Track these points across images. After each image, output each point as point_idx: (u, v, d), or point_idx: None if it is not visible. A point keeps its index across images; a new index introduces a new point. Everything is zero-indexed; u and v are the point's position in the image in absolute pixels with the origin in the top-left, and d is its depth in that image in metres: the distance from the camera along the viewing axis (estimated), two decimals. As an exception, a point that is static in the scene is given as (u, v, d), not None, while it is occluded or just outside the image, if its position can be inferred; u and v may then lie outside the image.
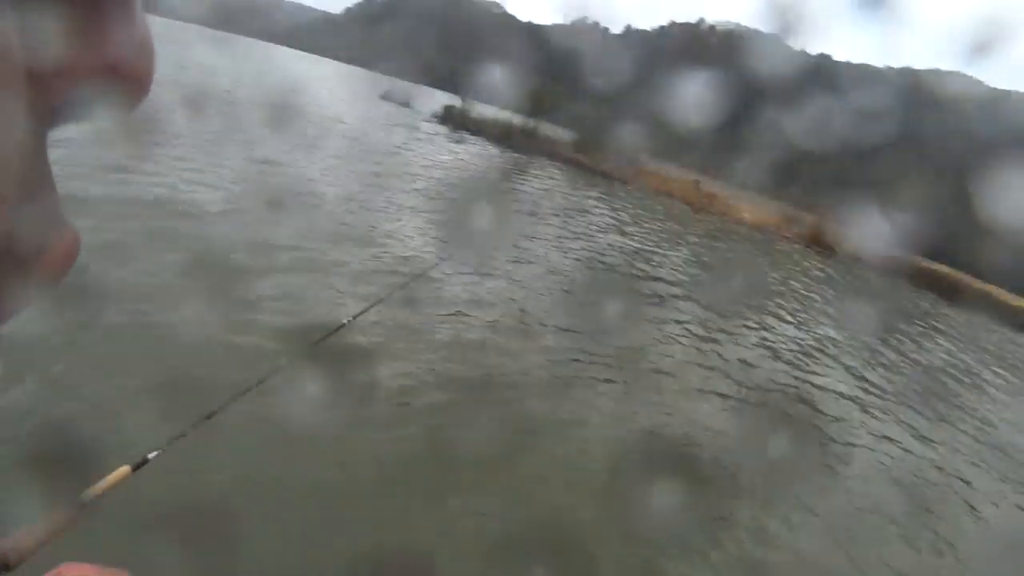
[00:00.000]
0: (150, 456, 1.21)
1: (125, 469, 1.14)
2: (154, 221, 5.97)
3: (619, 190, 23.83)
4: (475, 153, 21.80)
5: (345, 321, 2.64)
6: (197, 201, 6.98)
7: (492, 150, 24.23)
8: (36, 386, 3.37)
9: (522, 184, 17.32)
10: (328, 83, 44.21)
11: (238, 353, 4.24)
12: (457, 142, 23.57)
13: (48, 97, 0.22)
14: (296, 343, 2.08)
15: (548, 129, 30.45)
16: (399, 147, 17.33)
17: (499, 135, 27.63)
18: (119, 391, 3.48)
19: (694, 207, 25.91)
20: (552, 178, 20.83)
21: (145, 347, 3.99)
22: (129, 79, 0.32)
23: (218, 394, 1.50)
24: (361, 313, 2.93)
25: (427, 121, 29.23)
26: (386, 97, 37.81)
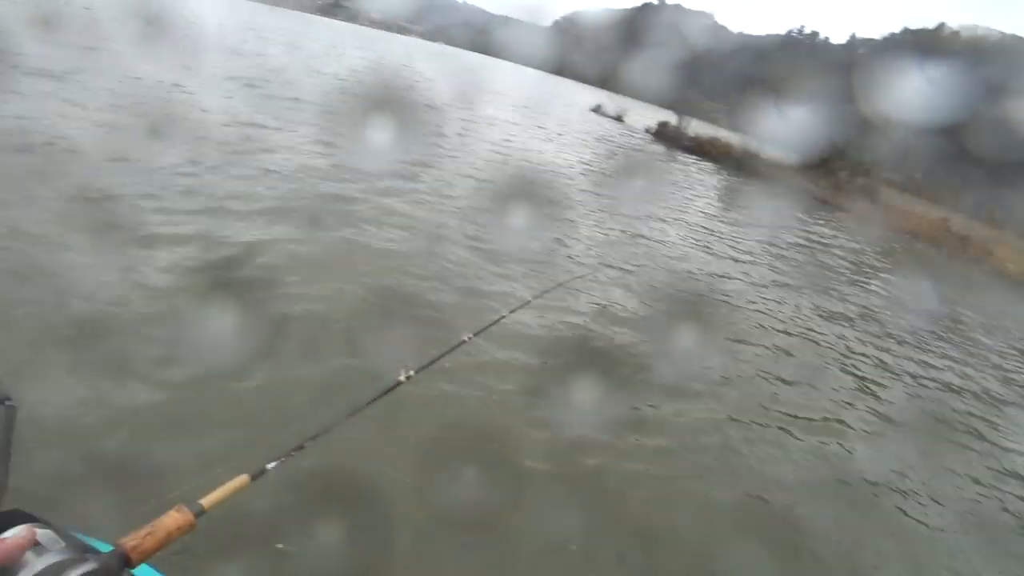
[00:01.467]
0: (269, 466, 1.22)
1: (244, 478, 1.16)
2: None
3: (852, 221, 21.41)
4: (692, 173, 21.04)
5: (504, 314, 2.66)
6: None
7: (710, 171, 23.20)
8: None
9: (746, 209, 16.29)
10: (540, 94, 45.78)
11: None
12: (670, 160, 22.98)
13: None
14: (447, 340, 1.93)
15: (771, 150, 28.41)
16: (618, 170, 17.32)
17: (717, 155, 26.39)
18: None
19: (947, 250, 22.38)
20: (778, 205, 19.34)
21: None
22: None
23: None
24: (518, 308, 2.93)
25: (640, 137, 28.96)
26: (597, 111, 38.26)
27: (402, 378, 1.76)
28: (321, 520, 2.79)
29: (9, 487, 1.05)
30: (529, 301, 3.16)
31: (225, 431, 3.21)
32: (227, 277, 4.94)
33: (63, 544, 0.76)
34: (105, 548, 0.89)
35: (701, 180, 19.41)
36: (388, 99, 17.35)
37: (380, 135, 11.04)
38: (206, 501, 1.05)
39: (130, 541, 0.89)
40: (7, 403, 1.18)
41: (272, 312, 4.54)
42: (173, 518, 0.97)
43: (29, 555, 0.73)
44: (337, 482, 2.95)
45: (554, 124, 24.46)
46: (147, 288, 4.38)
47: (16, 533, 0.74)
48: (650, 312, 6.62)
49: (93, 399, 3.21)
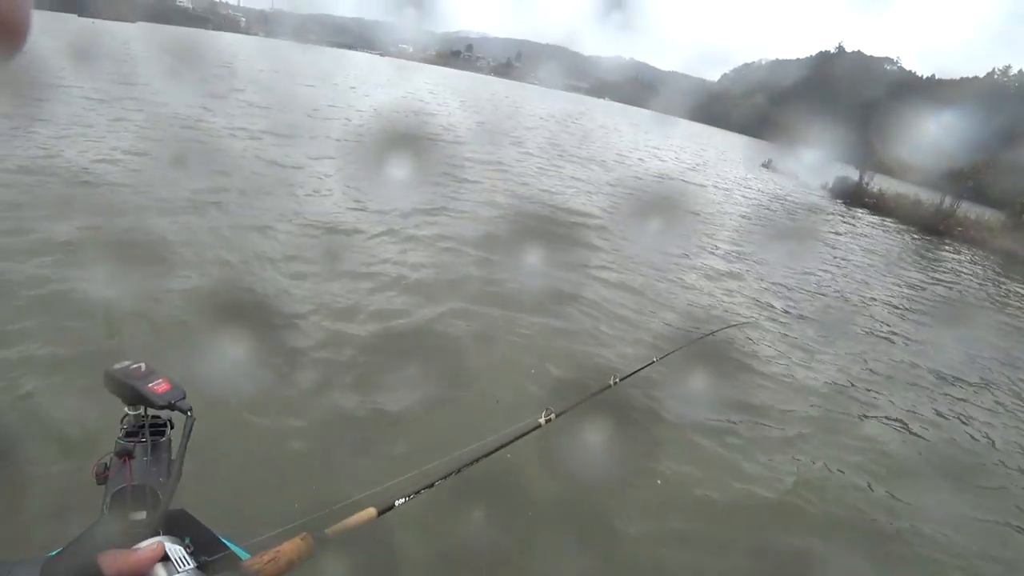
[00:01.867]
0: (397, 503, 1.22)
1: (371, 511, 1.17)
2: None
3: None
4: (877, 234, 20.16)
5: (653, 360, 2.60)
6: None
7: (898, 232, 21.99)
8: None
9: (939, 274, 15.28)
10: (712, 150, 45.64)
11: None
12: (849, 220, 21.84)
13: None
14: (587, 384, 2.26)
15: (968, 208, 26.08)
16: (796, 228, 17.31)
17: (906, 214, 24.78)
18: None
19: None
20: (977, 271, 17.78)
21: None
22: (1, 27, 0.30)
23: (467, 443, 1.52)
24: (669, 354, 2.85)
25: (817, 194, 28.06)
26: (768, 166, 37.43)
27: (542, 420, 1.72)
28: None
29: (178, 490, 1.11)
30: (680, 348, 3.17)
31: (361, 463, 3.33)
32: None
33: (192, 565, 0.80)
34: (243, 555, 0.97)
35: (886, 246, 18.34)
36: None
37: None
38: (331, 531, 1.08)
39: (253, 564, 0.93)
40: (189, 414, 1.26)
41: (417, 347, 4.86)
42: (296, 545, 1.00)
43: (158, 568, 0.77)
44: (462, 521, 2.91)
45: (728, 181, 25.03)
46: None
47: (148, 546, 0.79)
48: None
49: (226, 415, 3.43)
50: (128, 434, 1.36)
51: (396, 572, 2.69)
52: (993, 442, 5.63)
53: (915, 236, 21.79)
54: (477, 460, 1.45)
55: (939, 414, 5.98)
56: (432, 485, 1.30)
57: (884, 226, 22.39)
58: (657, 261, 9.06)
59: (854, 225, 20.49)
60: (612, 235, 10.08)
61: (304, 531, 1.03)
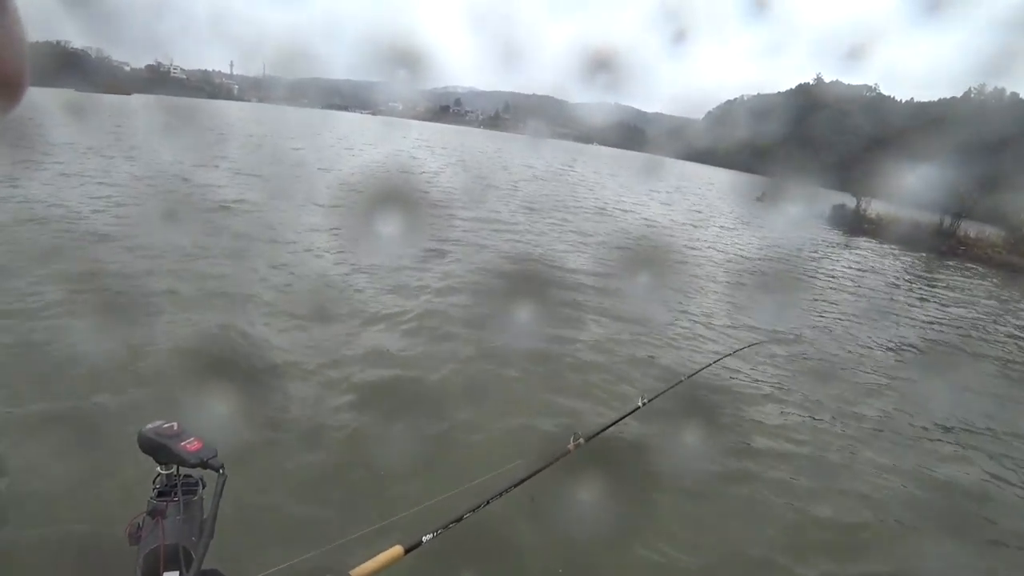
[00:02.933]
0: (424, 539, 1.18)
1: (398, 550, 1.14)
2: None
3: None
4: (879, 257, 19.87)
5: (681, 379, 2.63)
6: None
7: (902, 256, 21.72)
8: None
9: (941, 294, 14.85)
10: (703, 186, 46.00)
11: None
12: (845, 247, 21.61)
13: None
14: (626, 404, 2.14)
15: (967, 226, 25.92)
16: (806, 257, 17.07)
17: (906, 238, 24.57)
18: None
19: None
20: (979, 288, 17.38)
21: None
22: None
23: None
24: (699, 371, 2.90)
25: (815, 223, 27.95)
26: (763, 199, 37.42)
27: (571, 446, 1.69)
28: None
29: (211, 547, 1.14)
30: (709, 364, 3.20)
31: (380, 498, 3.34)
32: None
33: None
34: None
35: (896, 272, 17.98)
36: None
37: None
38: (356, 573, 1.04)
39: None
40: (221, 471, 1.29)
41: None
42: None
43: None
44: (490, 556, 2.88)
45: (723, 217, 24.89)
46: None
47: None
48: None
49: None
50: (160, 494, 1.36)
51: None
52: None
53: (920, 255, 21.54)
54: (507, 490, 1.38)
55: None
56: (461, 519, 1.24)
57: (893, 254, 22.03)
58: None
59: (864, 255, 20.17)
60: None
61: (330, 570, 0.99)
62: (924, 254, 22.36)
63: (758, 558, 3.59)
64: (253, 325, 5.81)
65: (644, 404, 2.11)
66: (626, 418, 2.09)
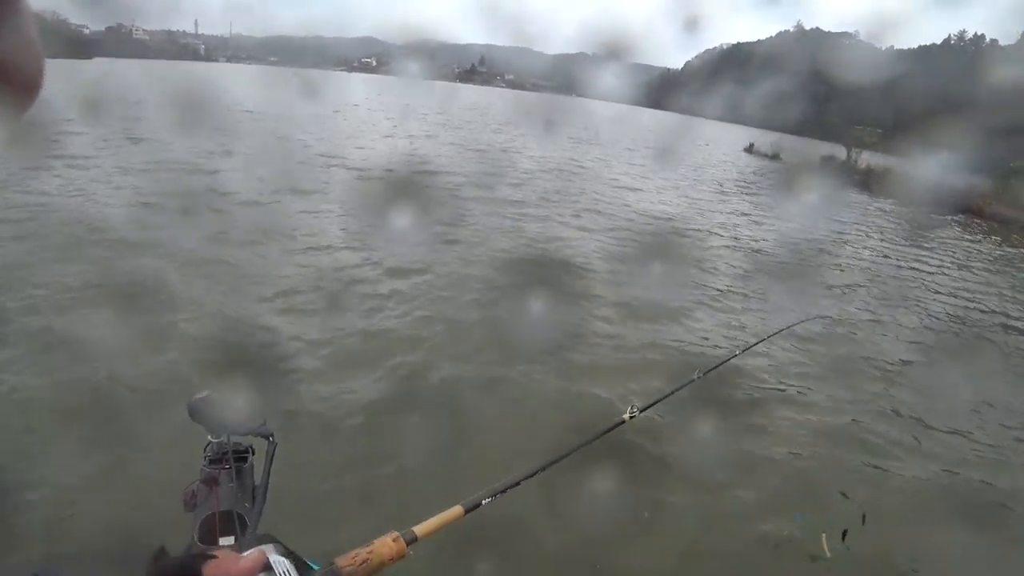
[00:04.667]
0: (484, 502, 1.19)
1: (458, 510, 1.14)
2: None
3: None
4: (872, 213, 19.78)
5: (737, 353, 2.62)
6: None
7: (892, 206, 21.68)
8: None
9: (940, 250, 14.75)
10: (694, 139, 45.24)
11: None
12: (840, 204, 21.18)
13: None
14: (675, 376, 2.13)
15: (957, 177, 25.86)
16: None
17: (895, 188, 24.55)
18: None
19: None
20: (976, 240, 17.43)
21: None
22: (15, 81, 0.32)
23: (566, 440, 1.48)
24: (751, 347, 2.87)
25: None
26: (750, 150, 37.28)
27: (627, 416, 1.69)
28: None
29: (265, 513, 1.16)
30: (763, 340, 3.13)
31: (449, 460, 3.40)
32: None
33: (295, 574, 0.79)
34: None
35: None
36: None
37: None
38: (419, 530, 1.05)
39: (346, 566, 0.89)
40: (271, 439, 1.32)
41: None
42: (388, 546, 0.96)
43: None
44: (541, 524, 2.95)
45: (720, 172, 24.57)
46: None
47: (251, 555, 0.78)
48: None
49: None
50: (212, 461, 1.40)
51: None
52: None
53: (912, 209, 21.45)
54: (562, 458, 1.40)
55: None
56: (518, 483, 1.27)
57: (879, 200, 21.93)
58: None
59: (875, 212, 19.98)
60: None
61: (394, 530, 0.98)
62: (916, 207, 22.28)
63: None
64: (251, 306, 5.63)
65: (698, 377, 2.09)
66: (681, 390, 2.04)
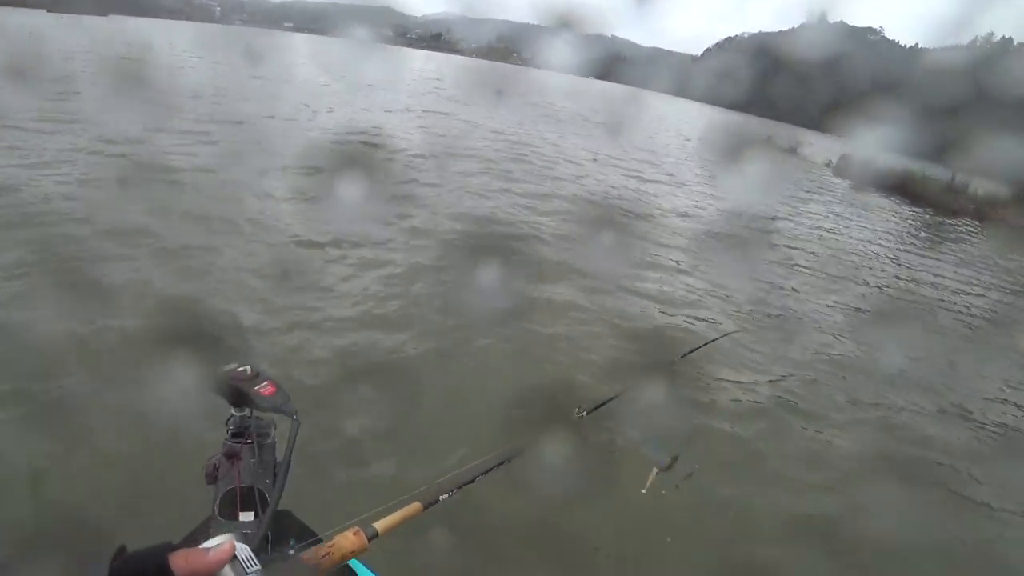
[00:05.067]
0: (441, 498, 1.24)
1: (416, 506, 1.19)
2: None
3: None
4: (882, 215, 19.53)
5: (716, 337, 2.65)
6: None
7: (901, 208, 21.42)
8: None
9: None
10: (702, 128, 44.64)
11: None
12: (859, 207, 20.80)
13: None
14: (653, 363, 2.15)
15: (977, 183, 25.58)
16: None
17: (908, 191, 24.30)
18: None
19: None
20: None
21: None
22: None
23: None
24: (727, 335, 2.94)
25: (819, 172, 27.52)
26: (769, 144, 36.69)
27: (575, 416, 1.73)
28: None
29: (286, 491, 1.16)
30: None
31: (406, 457, 3.29)
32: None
33: (257, 567, 0.79)
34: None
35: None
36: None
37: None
38: (380, 526, 1.09)
39: (310, 559, 0.94)
40: (295, 418, 1.30)
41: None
42: (350, 540, 1.01)
43: (227, 570, 0.77)
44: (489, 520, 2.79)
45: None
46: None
47: (218, 546, 0.78)
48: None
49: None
50: (235, 435, 1.40)
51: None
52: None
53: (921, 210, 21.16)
54: (512, 456, 1.43)
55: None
56: (473, 480, 1.30)
57: (901, 210, 21.50)
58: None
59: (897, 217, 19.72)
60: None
61: (356, 526, 1.02)
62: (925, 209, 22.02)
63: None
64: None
65: (677, 360, 2.22)
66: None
